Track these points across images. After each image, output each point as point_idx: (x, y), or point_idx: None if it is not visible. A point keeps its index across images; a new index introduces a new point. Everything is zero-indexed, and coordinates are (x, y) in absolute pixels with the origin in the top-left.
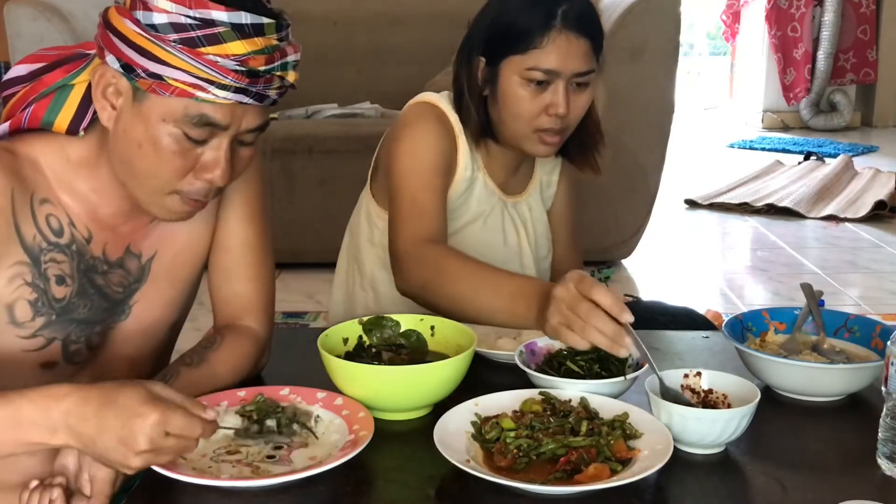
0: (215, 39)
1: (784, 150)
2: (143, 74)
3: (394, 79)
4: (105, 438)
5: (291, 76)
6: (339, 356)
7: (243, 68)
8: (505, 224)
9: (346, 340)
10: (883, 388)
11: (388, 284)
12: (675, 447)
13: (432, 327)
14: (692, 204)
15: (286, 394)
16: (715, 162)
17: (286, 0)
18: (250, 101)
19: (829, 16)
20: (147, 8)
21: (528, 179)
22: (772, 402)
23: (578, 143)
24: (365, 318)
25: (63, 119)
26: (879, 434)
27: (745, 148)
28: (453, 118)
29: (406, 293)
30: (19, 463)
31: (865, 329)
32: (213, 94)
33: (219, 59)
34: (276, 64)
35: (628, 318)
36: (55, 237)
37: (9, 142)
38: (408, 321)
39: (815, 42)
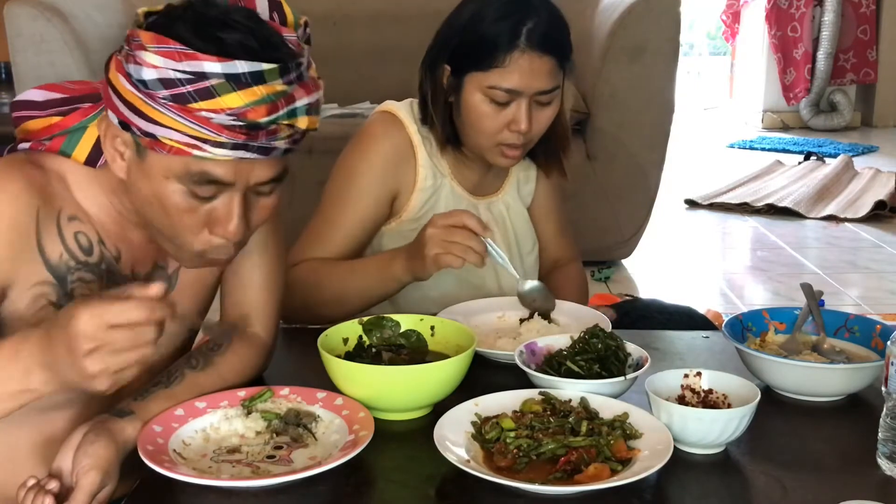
0: (207, 94)
1: (784, 150)
2: (137, 133)
3: (394, 79)
4: (59, 357)
5: (304, 122)
6: (339, 356)
7: (240, 122)
8: None
9: (346, 340)
10: (883, 388)
11: None
12: (675, 447)
13: (432, 327)
14: (692, 204)
15: (286, 394)
16: (715, 162)
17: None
18: (253, 155)
19: (829, 16)
20: (137, 62)
21: (504, 177)
22: (772, 402)
23: (545, 149)
24: (365, 319)
25: (80, 154)
26: (879, 434)
27: (745, 148)
28: (412, 128)
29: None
30: (20, 471)
31: (865, 329)
32: (210, 153)
33: (212, 115)
34: (280, 113)
35: (489, 232)
36: (84, 255)
37: (37, 155)
38: (408, 321)
39: (815, 42)
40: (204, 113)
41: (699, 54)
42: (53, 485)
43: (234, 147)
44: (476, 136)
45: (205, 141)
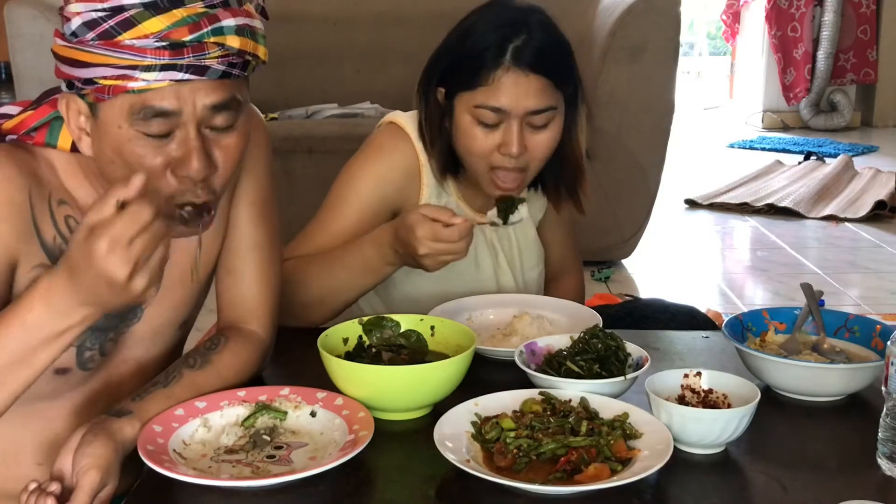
0: (128, 24)
1: (784, 150)
2: (80, 85)
3: (394, 79)
4: (100, 294)
5: (234, 41)
6: (339, 356)
7: (163, 43)
8: (478, 248)
9: (346, 340)
10: (883, 388)
11: (382, 287)
12: (675, 447)
13: (432, 327)
14: (692, 204)
15: (286, 394)
16: (715, 162)
17: (286, 0)
18: (186, 75)
19: (829, 16)
20: (66, 18)
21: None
22: (772, 402)
23: (554, 181)
24: (365, 319)
25: (64, 142)
26: (879, 434)
27: (745, 148)
28: (419, 146)
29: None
30: (20, 471)
31: (865, 329)
32: (143, 80)
33: (136, 41)
34: (204, 31)
35: (457, 219)
36: None
37: (25, 143)
38: (408, 321)
39: (815, 42)
40: (129, 41)
41: (699, 54)
42: (54, 487)
43: (164, 68)
44: (469, 160)
45: (134, 68)
